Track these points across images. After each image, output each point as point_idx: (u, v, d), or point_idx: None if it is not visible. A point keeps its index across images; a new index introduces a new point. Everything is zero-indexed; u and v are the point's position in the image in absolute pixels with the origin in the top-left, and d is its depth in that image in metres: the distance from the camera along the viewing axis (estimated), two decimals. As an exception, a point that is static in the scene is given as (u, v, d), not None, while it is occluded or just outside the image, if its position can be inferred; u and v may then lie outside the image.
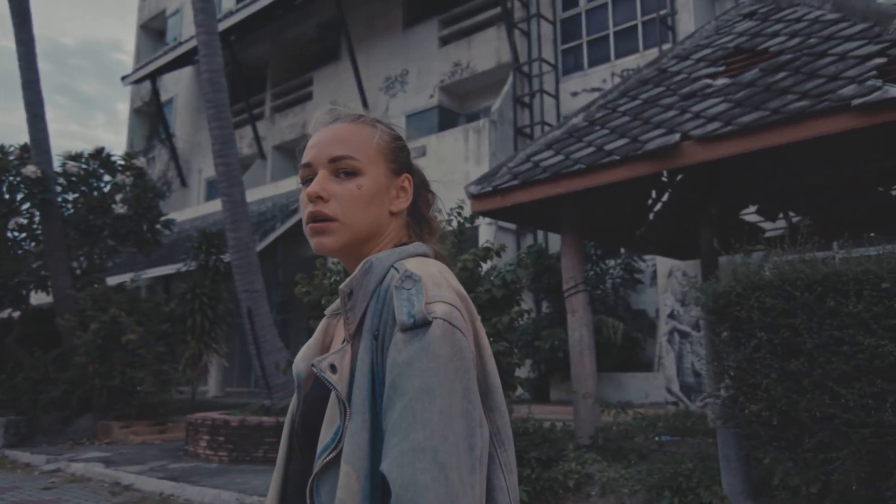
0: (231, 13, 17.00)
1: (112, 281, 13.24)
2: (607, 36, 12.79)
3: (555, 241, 12.10)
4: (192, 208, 19.56)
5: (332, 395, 0.90)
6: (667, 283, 9.50)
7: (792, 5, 5.96)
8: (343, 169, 1.02)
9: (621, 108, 6.08)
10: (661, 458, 4.80)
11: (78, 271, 12.55)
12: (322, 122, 1.10)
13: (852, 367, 3.45)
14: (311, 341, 1.10)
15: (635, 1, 12.53)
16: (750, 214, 8.38)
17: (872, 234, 4.97)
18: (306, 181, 1.04)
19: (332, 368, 0.90)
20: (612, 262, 11.56)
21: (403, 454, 0.78)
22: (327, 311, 1.15)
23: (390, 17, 16.39)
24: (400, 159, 1.09)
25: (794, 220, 7.95)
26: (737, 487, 4.11)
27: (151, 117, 23.02)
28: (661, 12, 11.44)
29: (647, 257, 11.36)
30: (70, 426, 10.91)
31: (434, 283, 0.90)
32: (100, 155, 12.64)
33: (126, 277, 13.79)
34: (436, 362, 0.83)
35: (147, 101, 22.40)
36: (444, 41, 15.33)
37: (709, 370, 7.70)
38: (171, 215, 14.00)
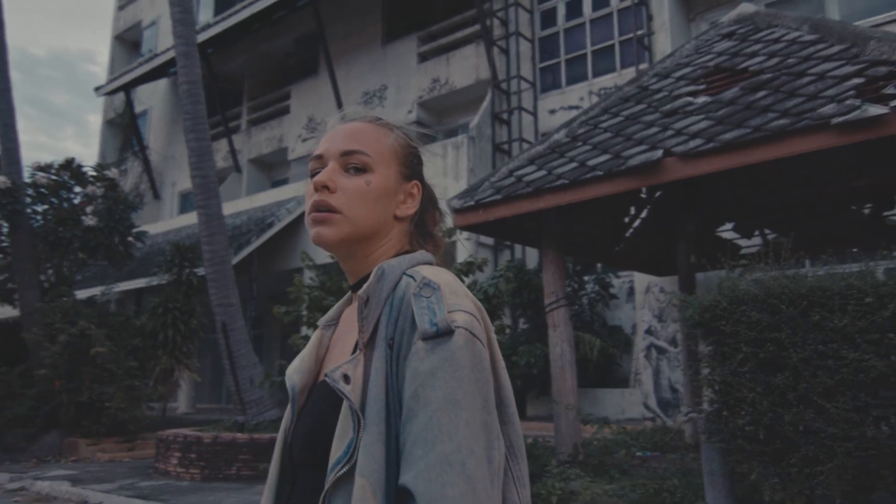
0: (209, 25, 16.89)
1: (81, 294, 12.94)
2: (585, 55, 12.95)
3: (532, 257, 12.14)
4: (164, 221, 19.28)
5: (345, 406, 0.86)
6: (644, 299, 9.56)
7: (770, 26, 6.08)
8: (353, 164, 0.99)
9: (603, 125, 6.13)
10: (644, 474, 4.78)
11: (46, 284, 12.26)
12: (340, 119, 1.08)
13: (836, 381, 3.48)
14: (304, 353, 1.06)
15: (612, 21, 12.72)
16: (726, 231, 8.49)
17: (854, 251, 5.04)
18: (315, 173, 1.02)
19: (346, 378, 0.86)
20: (587, 278, 11.62)
21: (430, 467, 0.75)
22: (321, 322, 1.11)
23: (369, 33, 16.42)
24: (412, 165, 1.07)
25: (770, 237, 8.07)
26: (721, 502, 4.10)
27: (124, 129, 22.71)
28: (638, 32, 11.62)
29: (622, 273, 11.43)
30: (35, 443, 10.60)
31: (452, 291, 0.88)
32: (71, 166, 12.41)
33: (95, 291, 13.50)
34: (460, 373, 0.81)
35: (120, 112, 22.10)
36: (423, 57, 15.38)
37: (687, 384, 7.76)
38: (144, 228, 13.77)
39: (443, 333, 0.82)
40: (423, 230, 1.09)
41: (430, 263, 0.99)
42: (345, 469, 0.82)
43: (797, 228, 7.60)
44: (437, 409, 0.78)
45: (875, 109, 4.06)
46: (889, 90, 4.22)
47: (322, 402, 0.94)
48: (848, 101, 4.30)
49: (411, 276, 0.92)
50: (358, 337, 0.90)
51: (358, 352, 0.89)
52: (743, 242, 8.45)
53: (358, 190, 0.98)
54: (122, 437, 11.00)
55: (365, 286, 0.92)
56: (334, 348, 1.04)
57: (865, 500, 3.47)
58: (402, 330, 0.87)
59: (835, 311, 3.51)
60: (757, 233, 8.26)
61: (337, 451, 0.84)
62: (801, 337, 3.58)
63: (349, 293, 1.12)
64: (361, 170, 0.99)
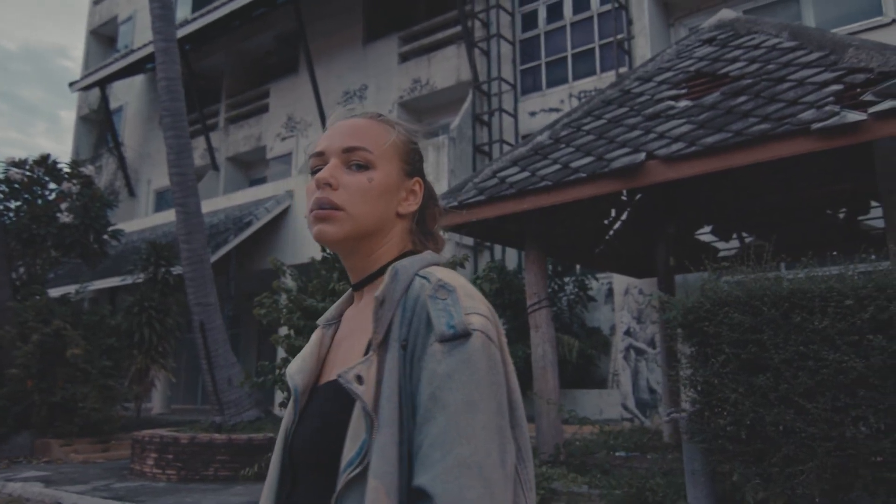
0: (187, 22, 16.69)
1: (54, 293, 12.72)
2: (565, 58, 13.03)
3: (511, 258, 12.18)
4: (139, 219, 19.01)
5: (358, 407, 0.85)
6: (623, 301, 9.65)
7: (750, 32, 6.17)
8: (356, 161, 0.99)
9: (586, 127, 6.17)
10: (625, 474, 4.82)
11: (17, 283, 12.02)
12: (340, 116, 1.07)
13: (817, 381, 3.54)
14: (305, 353, 1.05)
15: (593, 24, 12.81)
16: (705, 234, 8.60)
17: (834, 253, 5.12)
18: (316, 170, 1.01)
19: (359, 379, 0.86)
20: (567, 280, 11.69)
21: (448, 470, 0.76)
22: (321, 321, 1.10)
23: (350, 32, 16.36)
24: (413, 161, 1.07)
25: (747, 240, 8.19)
26: (702, 502, 4.15)
27: (99, 125, 22.37)
28: (618, 36, 11.72)
29: (601, 275, 11.52)
30: (6, 444, 10.37)
31: (467, 294, 0.89)
32: (45, 162, 12.18)
33: (68, 289, 13.27)
34: (477, 375, 0.81)
35: (95, 108, 21.75)
36: (404, 57, 15.36)
37: (665, 385, 7.84)
38: (119, 226, 13.57)
39: (460, 336, 0.83)
40: (423, 227, 1.09)
41: (439, 264, 0.99)
42: (357, 470, 0.82)
43: (774, 232, 7.74)
44: (455, 412, 0.79)
45: (854, 116, 4.15)
46: (867, 97, 4.30)
47: (328, 402, 0.93)
48: (827, 108, 4.38)
49: (425, 278, 0.92)
50: (371, 338, 0.89)
51: (371, 353, 0.88)
52: (721, 245, 8.57)
53: (361, 187, 0.98)
54: (95, 438, 10.81)
55: (382, 288, 0.92)
56: (339, 348, 1.02)
57: (844, 499, 3.54)
58: (416, 331, 0.87)
59: (815, 313, 3.57)
60: (735, 236, 8.38)
61: (349, 452, 0.83)
62: (783, 338, 3.64)
63: (348, 292, 1.12)
64: (364, 166, 0.99)
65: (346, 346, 1.00)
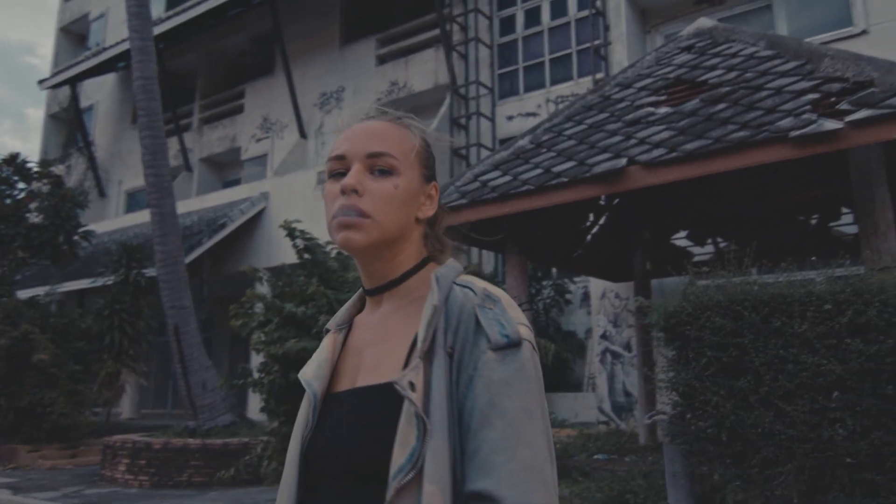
0: (161, 20, 16.46)
1: (21, 294, 12.44)
2: (543, 63, 13.11)
3: (488, 261, 12.21)
4: (110, 220, 18.68)
5: (407, 413, 0.85)
6: (600, 304, 9.73)
7: (728, 41, 6.27)
8: (380, 166, 0.98)
9: (567, 132, 6.21)
10: (606, 476, 4.86)
11: (-17, 285, 11.74)
12: (358, 117, 1.06)
13: (796, 384, 3.60)
14: (320, 358, 1.03)
15: (570, 30, 12.91)
16: (680, 239, 8.71)
17: (813, 258, 5.22)
18: (335, 174, 1.00)
19: (412, 386, 0.86)
20: (544, 284, 11.75)
21: (514, 474, 0.80)
22: (331, 326, 1.09)
23: (327, 34, 16.27)
24: (431, 166, 1.07)
25: (722, 245, 8.32)
26: (683, 503, 4.20)
27: (69, 124, 21.93)
28: (595, 42, 11.83)
29: (577, 279, 11.60)
30: (-29, 450, 10.12)
31: (509, 304, 0.93)
32: (14, 161, 11.92)
33: (36, 291, 12.98)
34: (530, 384, 0.86)
35: (65, 107, 21.35)
36: (382, 60, 15.33)
37: (642, 388, 7.92)
38: (89, 227, 13.31)
39: (513, 345, 0.87)
40: (433, 231, 1.09)
41: (462, 272, 1.01)
42: (409, 476, 0.82)
43: (749, 237, 7.87)
44: (515, 419, 0.83)
45: (831, 124, 4.23)
46: (843, 106, 4.40)
47: (364, 409, 0.92)
48: (805, 116, 4.47)
49: (468, 287, 0.94)
50: (420, 345, 0.89)
51: (418, 360, 0.88)
52: (696, 250, 8.69)
53: (386, 194, 0.97)
54: (63, 444, 10.60)
55: (438, 297, 0.92)
56: (361, 354, 1.00)
57: (822, 500, 3.60)
58: (463, 339, 0.89)
59: (795, 317, 3.64)
60: (710, 241, 8.50)
61: (399, 458, 0.83)
62: (763, 342, 3.70)
63: (356, 296, 1.11)
64: (387, 172, 0.98)
65: (375, 352, 0.98)
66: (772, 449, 3.66)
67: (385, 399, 0.88)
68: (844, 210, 7.49)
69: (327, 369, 1.01)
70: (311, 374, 1.01)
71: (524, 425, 0.83)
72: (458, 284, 0.95)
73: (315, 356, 1.05)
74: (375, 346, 0.99)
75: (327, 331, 1.09)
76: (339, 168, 1.00)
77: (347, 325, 1.08)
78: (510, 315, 0.90)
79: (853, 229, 7.03)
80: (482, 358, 0.86)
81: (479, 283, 0.95)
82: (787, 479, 3.64)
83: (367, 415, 0.91)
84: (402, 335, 0.95)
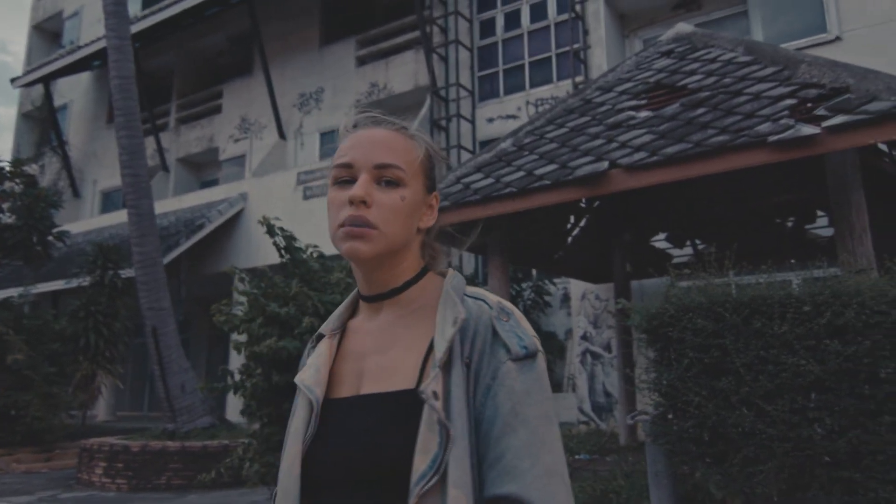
0: (137, 19, 16.26)
1: (-7, 296, 12.22)
2: (523, 65, 13.18)
3: (468, 264, 12.25)
4: (85, 221, 18.41)
5: (428, 421, 0.86)
6: (580, 306, 9.80)
7: (707, 46, 6.36)
8: (387, 177, 0.99)
9: (549, 135, 6.26)
10: (588, 476, 4.90)
11: (-45, 285, 11.52)
12: (361, 123, 1.06)
13: (776, 384, 3.67)
14: (318, 363, 1.02)
15: (550, 34, 13.00)
16: (660, 241, 8.81)
17: (793, 261, 5.33)
18: (340, 181, 1.00)
19: (434, 395, 0.88)
20: (524, 286, 11.81)
21: (539, 477, 0.84)
22: (325, 331, 1.08)
23: (306, 34, 16.19)
24: (433, 177, 1.08)
25: (700, 247, 8.43)
26: (665, 502, 4.26)
27: (42, 123, 21.57)
28: (575, 46, 11.92)
29: (556, 280, 11.68)
30: (-59, 455, 9.92)
31: (521, 316, 0.97)
32: (-14, 160, 11.71)
33: (9, 293, 12.77)
34: (546, 392, 0.91)
35: (38, 105, 21.00)
36: (362, 61, 15.29)
37: (622, 388, 7.99)
38: (63, 227, 13.10)
39: (531, 356, 0.92)
40: (427, 238, 1.10)
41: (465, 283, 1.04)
42: (431, 482, 0.84)
43: (727, 239, 7.99)
44: (537, 426, 0.87)
45: (808, 129, 4.32)
46: (820, 111, 4.49)
47: (376, 416, 0.93)
48: (783, 121, 4.55)
49: (482, 300, 0.97)
50: (441, 356, 0.90)
51: (438, 370, 0.90)
52: (675, 252, 8.79)
53: (394, 206, 0.98)
54: (38, 447, 10.45)
55: (462, 311, 0.94)
56: (367, 360, 1.00)
57: (802, 499, 3.67)
58: (480, 350, 0.92)
59: (775, 318, 3.70)
60: (688, 243, 8.62)
61: (421, 465, 0.85)
62: (744, 343, 3.76)
63: (348, 301, 1.11)
64: (395, 183, 0.99)
65: (379, 360, 0.99)
66: (752, 448, 3.72)
67: (399, 406, 0.89)
68: (820, 213, 7.64)
69: (324, 374, 1.01)
70: (312, 379, 1.00)
71: (545, 431, 0.87)
72: (469, 297, 0.98)
73: (311, 361, 1.04)
74: (379, 354, 0.99)
75: (320, 335, 1.08)
76: (345, 176, 1.00)
77: (340, 331, 1.08)
78: (524, 327, 0.95)
79: (829, 231, 7.17)
80: (501, 368, 0.90)
81: (492, 297, 0.99)
82: (767, 478, 3.71)
83: (379, 422, 0.91)
84: (408, 343, 0.96)
